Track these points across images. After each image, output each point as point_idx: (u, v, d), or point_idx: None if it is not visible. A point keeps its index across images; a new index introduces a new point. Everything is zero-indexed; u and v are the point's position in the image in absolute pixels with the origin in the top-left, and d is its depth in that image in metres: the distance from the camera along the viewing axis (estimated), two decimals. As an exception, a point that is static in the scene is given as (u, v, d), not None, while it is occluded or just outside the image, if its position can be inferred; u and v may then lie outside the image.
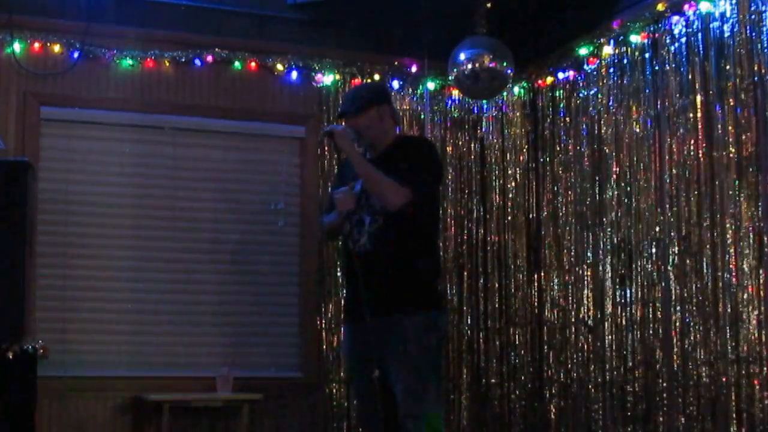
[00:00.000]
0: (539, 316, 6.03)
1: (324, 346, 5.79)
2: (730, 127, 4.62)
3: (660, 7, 5.05)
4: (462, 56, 5.47)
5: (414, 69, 6.08)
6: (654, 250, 5.10)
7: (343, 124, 4.05)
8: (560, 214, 5.89)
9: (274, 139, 5.94)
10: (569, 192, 5.82)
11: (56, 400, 5.31)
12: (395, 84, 6.07)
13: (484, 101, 6.18)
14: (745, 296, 4.49)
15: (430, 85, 6.12)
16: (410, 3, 5.67)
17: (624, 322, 5.29)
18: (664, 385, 4.96)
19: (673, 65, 4.99)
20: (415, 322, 3.81)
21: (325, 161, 5.92)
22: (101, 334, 5.52)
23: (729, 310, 4.57)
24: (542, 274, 6.02)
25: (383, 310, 3.80)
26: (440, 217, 5.82)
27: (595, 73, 5.60)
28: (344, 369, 5.66)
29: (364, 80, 5.98)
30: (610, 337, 5.40)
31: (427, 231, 3.99)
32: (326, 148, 5.90)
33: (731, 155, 4.60)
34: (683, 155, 4.92)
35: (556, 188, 5.95)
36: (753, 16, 4.51)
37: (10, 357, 4.44)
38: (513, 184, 6.21)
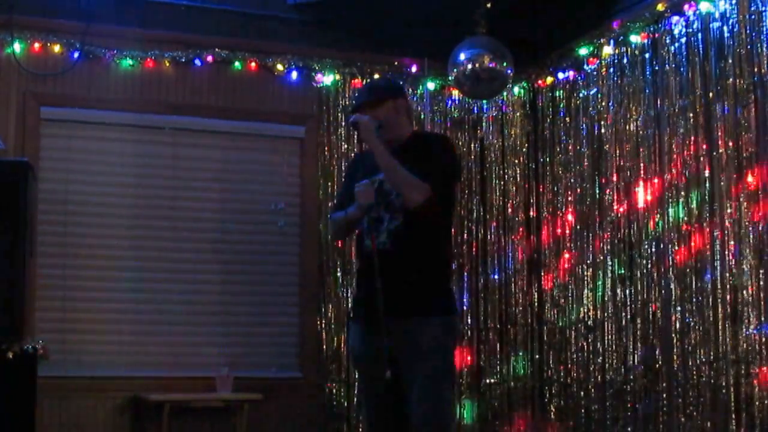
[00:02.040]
0: (539, 316, 6.03)
1: (324, 346, 5.79)
2: (730, 127, 4.62)
3: (660, 7, 5.05)
4: (462, 56, 5.47)
5: (414, 69, 6.08)
6: (654, 250, 5.10)
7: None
8: (560, 214, 5.89)
9: (274, 139, 5.94)
10: (569, 192, 5.82)
11: (56, 400, 5.31)
12: (395, 84, 6.06)
13: (484, 101, 6.18)
14: (745, 296, 4.49)
15: (430, 85, 6.12)
16: (410, 3, 5.67)
17: (624, 322, 5.29)
18: (664, 385, 4.96)
19: (673, 65, 4.99)
20: (433, 324, 3.74)
21: (324, 161, 5.93)
22: (101, 334, 5.53)
23: (729, 310, 4.57)
24: (542, 274, 6.03)
25: (401, 311, 3.73)
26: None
27: (595, 73, 5.60)
28: (349, 368, 5.68)
29: (364, 80, 5.98)
30: (610, 337, 5.40)
31: (444, 231, 3.92)
32: (326, 148, 5.91)
33: (731, 155, 4.60)
34: (683, 155, 4.92)
35: (556, 188, 5.95)
36: (753, 16, 4.51)
37: (10, 357, 4.44)
38: (513, 184, 6.21)
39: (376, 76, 6.01)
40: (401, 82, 5.95)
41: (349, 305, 5.72)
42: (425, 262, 3.80)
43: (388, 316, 3.70)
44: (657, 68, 5.12)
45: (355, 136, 3.94)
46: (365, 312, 3.84)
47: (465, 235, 6.15)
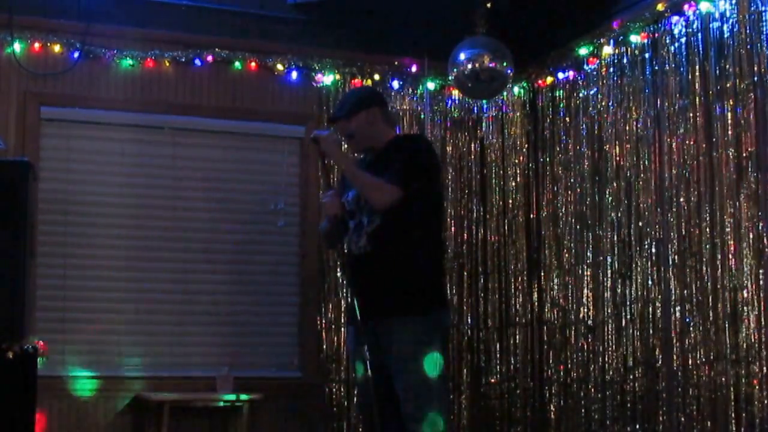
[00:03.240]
0: (539, 316, 6.03)
1: (324, 346, 5.79)
2: (730, 127, 4.62)
3: (660, 7, 5.05)
4: (462, 56, 5.47)
5: (414, 69, 6.08)
6: (654, 250, 5.10)
7: (333, 128, 4.09)
8: (560, 214, 5.89)
9: (274, 139, 5.95)
10: (569, 192, 5.82)
11: (56, 400, 5.31)
12: (395, 84, 6.07)
13: (484, 101, 6.18)
14: (745, 296, 4.49)
15: (430, 85, 6.12)
16: (410, 3, 5.67)
17: (624, 322, 5.29)
18: (664, 385, 4.96)
19: (673, 65, 4.99)
20: (417, 323, 3.78)
21: (325, 161, 5.91)
22: (101, 334, 5.52)
23: (729, 310, 4.58)
24: (542, 274, 6.02)
25: (383, 311, 3.78)
26: (443, 216, 5.82)
27: (595, 73, 5.60)
28: (349, 368, 5.68)
29: (364, 80, 5.99)
30: (610, 337, 5.40)
31: (426, 230, 3.94)
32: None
33: (731, 155, 4.60)
34: (683, 155, 4.92)
35: (556, 188, 5.95)
36: (753, 16, 4.51)
37: (10, 357, 4.44)
38: (513, 184, 6.21)
39: (377, 76, 6.02)
40: (402, 82, 5.99)
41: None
42: (404, 263, 3.83)
43: (372, 318, 3.75)
44: (657, 68, 5.12)
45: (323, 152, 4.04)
46: (351, 314, 3.90)
47: (465, 235, 6.15)
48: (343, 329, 5.77)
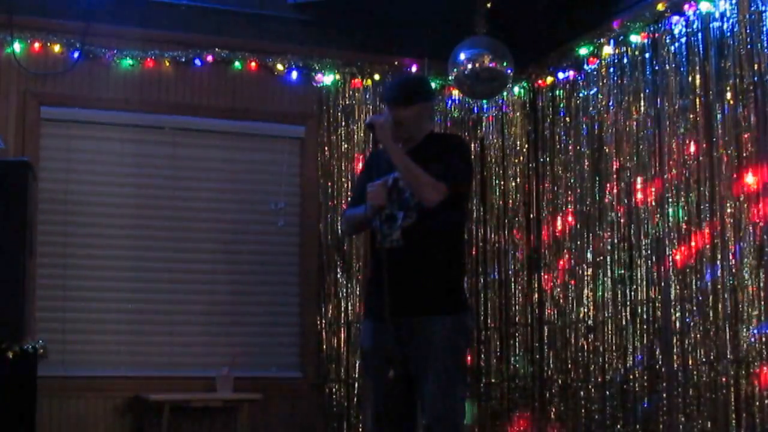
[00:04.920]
0: (539, 316, 6.03)
1: (324, 346, 5.79)
2: (730, 127, 4.62)
3: (660, 7, 5.05)
4: (462, 56, 5.47)
5: (414, 69, 6.08)
6: (654, 250, 5.10)
7: (386, 110, 3.96)
8: (560, 214, 5.89)
9: (274, 139, 5.95)
10: (569, 192, 5.82)
11: (56, 400, 5.31)
12: (395, 84, 6.06)
13: (484, 101, 6.18)
14: (745, 296, 4.49)
15: (430, 85, 6.11)
16: (410, 3, 5.67)
17: (624, 322, 5.29)
18: (664, 385, 4.96)
19: (673, 65, 4.99)
20: (445, 323, 3.74)
21: (324, 161, 5.93)
22: (101, 334, 5.53)
23: (729, 310, 4.57)
24: (542, 274, 6.03)
25: (411, 309, 3.73)
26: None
27: (595, 73, 5.60)
28: (349, 368, 5.70)
29: (364, 80, 5.99)
30: (610, 337, 5.40)
31: (458, 230, 3.95)
32: (326, 148, 5.91)
33: (731, 155, 4.60)
34: (683, 155, 4.92)
35: (556, 188, 5.95)
36: (753, 16, 4.51)
37: (10, 357, 4.44)
38: (513, 184, 6.21)
39: (376, 76, 6.02)
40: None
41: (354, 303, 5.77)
42: (437, 260, 3.80)
43: (399, 314, 3.71)
44: (657, 68, 5.12)
45: (371, 137, 3.96)
46: (374, 310, 3.85)
47: (465, 235, 6.13)
48: (343, 329, 5.78)
